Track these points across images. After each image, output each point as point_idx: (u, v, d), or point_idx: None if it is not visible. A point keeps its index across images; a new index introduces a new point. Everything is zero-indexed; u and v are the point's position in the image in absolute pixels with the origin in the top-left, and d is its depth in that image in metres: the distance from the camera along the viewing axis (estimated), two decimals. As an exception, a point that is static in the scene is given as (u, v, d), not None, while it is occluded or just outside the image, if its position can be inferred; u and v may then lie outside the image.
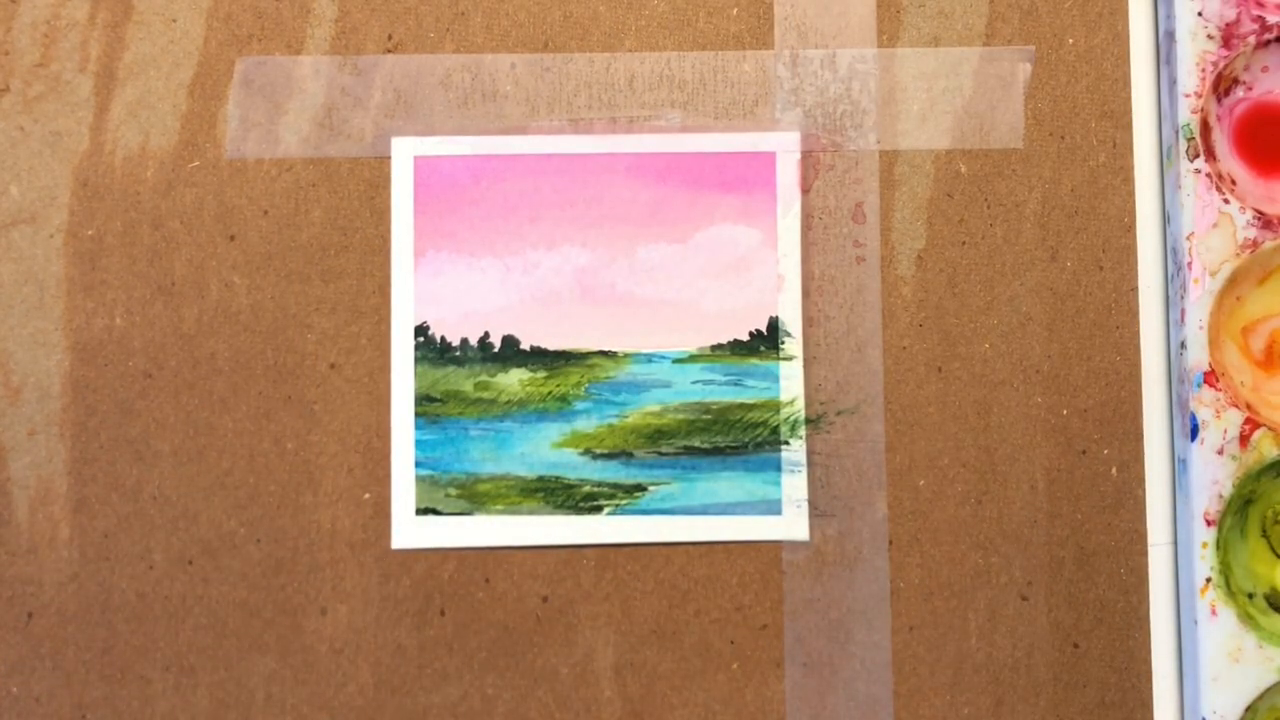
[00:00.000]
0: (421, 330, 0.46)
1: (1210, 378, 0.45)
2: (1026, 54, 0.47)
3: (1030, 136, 0.47)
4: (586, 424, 0.46)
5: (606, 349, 0.46)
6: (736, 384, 0.46)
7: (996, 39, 0.47)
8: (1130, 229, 0.47)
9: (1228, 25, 0.46)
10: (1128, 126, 0.47)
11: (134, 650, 0.45)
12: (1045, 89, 0.47)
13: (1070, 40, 0.47)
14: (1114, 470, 0.46)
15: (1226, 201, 0.45)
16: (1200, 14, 0.46)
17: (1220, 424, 0.45)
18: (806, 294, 0.46)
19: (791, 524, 0.45)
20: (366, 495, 0.45)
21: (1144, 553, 0.46)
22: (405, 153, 0.46)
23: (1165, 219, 0.47)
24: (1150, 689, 0.46)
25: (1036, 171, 0.46)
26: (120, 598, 0.45)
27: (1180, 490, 0.46)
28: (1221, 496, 0.45)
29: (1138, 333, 0.46)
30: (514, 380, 0.46)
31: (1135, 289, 0.46)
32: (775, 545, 0.45)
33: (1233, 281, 0.45)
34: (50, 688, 0.44)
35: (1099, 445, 0.46)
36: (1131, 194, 0.47)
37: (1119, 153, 0.47)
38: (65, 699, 0.44)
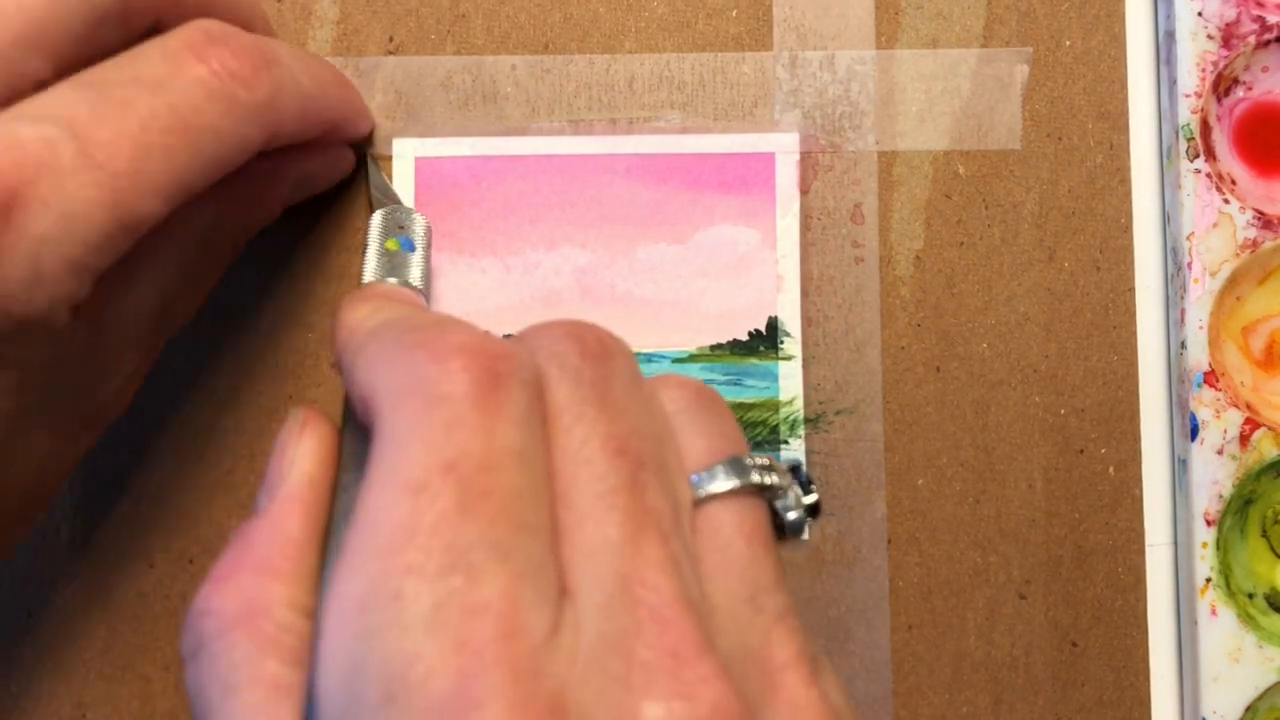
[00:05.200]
0: (422, 330, 0.46)
1: (1210, 378, 0.45)
2: (1024, 55, 0.47)
3: (1028, 138, 0.47)
4: (586, 424, 0.46)
5: (606, 349, 0.46)
6: (736, 384, 0.46)
7: (994, 41, 0.47)
8: (1127, 229, 0.47)
9: (1228, 25, 0.46)
10: (1125, 127, 0.47)
11: (134, 649, 0.45)
12: (1043, 90, 0.47)
13: (1067, 42, 0.47)
14: (1111, 470, 0.46)
15: (1226, 201, 0.45)
16: (1200, 14, 0.46)
17: (1220, 424, 0.45)
18: (805, 294, 0.46)
19: (790, 523, 0.45)
20: (367, 495, 0.45)
21: (1141, 552, 0.46)
22: (407, 154, 0.46)
23: (1165, 219, 0.47)
24: (1148, 687, 0.46)
25: (1034, 172, 0.47)
26: (121, 597, 0.45)
27: (1180, 490, 0.46)
28: (1221, 496, 0.45)
29: (1135, 333, 0.46)
30: (514, 380, 0.46)
31: (1132, 289, 0.46)
32: (774, 545, 0.45)
33: (1233, 281, 0.46)
34: (50, 686, 0.45)
35: (1096, 445, 0.46)
36: (1129, 195, 0.47)
37: (1116, 154, 0.47)
38: (65, 698, 0.45)
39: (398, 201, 0.45)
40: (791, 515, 0.32)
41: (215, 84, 0.35)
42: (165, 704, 0.45)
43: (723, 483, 0.31)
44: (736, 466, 0.32)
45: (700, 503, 0.31)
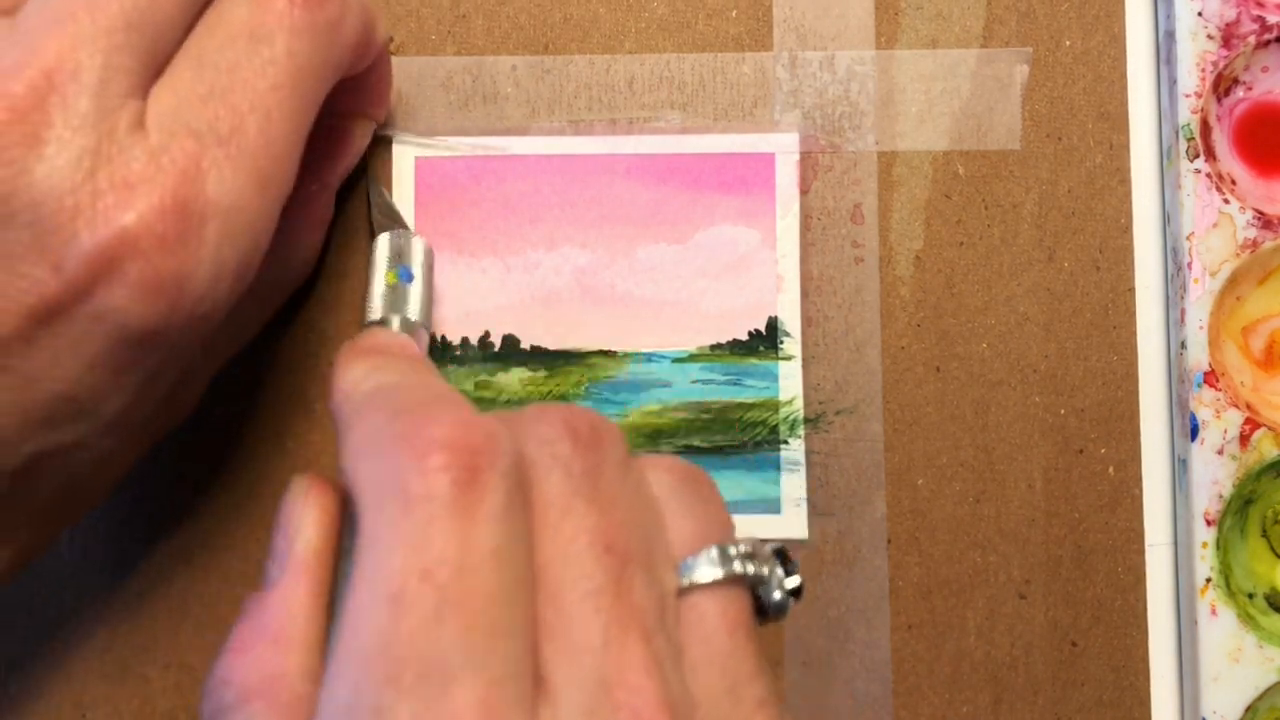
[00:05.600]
0: (422, 330, 0.46)
1: (1210, 378, 0.45)
2: (1024, 56, 0.47)
3: (1027, 138, 0.47)
4: (586, 424, 0.46)
5: (606, 348, 0.46)
6: (736, 383, 0.46)
7: (994, 41, 0.47)
8: (1127, 230, 0.47)
9: (1228, 25, 0.46)
10: (1124, 128, 0.47)
11: (134, 649, 0.45)
12: (1042, 90, 0.47)
13: (1067, 42, 0.47)
14: (1111, 469, 0.46)
15: (1226, 202, 0.45)
16: (1200, 14, 0.46)
17: (1220, 424, 0.45)
18: (805, 294, 0.46)
19: (790, 523, 0.45)
20: (367, 495, 0.45)
21: (1140, 551, 0.46)
22: (407, 154, 0.46)
23: (1165, 219, 0.47)
24: (1148, 686, 0.46)
25: (1034, 173, 0.47)
26: (120, 596, 0.45)
27: (1180, 490, 0.46)
28: (1221, 496, 0.45)
29: (1135, 333, 0.46)
30: (514, 380, 0.46)
31: (1132, 289, 0.46)
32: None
33: (1233, 281, 0.46)
34: (50, 686, 0.45)
35: (1096, 445, 0.46)
36: (1128, 195, 0.47)
37: (1115, 154, 0.47)
38: (65, 697, 0.45)
39: (401, 223, 0.45)
40: (775, 597, 0.33)
41: (296, 14, 0.35)
42: (165, 704, 0.45)
43: (707, 572, 0.32)
44: (722, 556, 0.32)
45: (685, 591, 0.31)
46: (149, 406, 0.37)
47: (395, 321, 0.42)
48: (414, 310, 0.42)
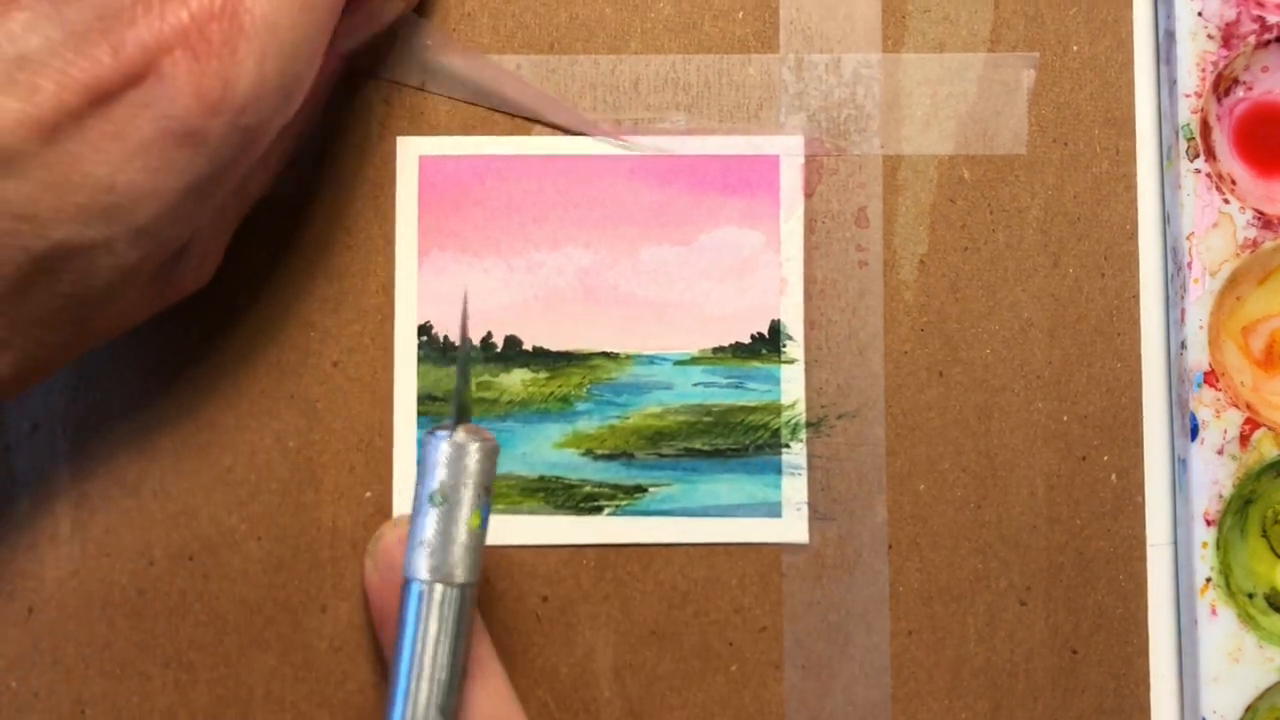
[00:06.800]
0: (424, 329, 0.46)
1: (1210, 378, 0.45)
2: (1031, 60, 0.47)
3: (1033, 143, 0.47)
4: (588, 425, 0.46)
5: (609, 350, 0.46)
6: (738, 386, 0.46)
7: (1001, 45, 0.47)
8: (1132, 236, 0.47)
9: (1228, 25, 0.46)
10: (1131, 133, 0.47)
11: (134, 646, 0.45)
12: (1049, 95, 0.47)
13: (1074, 47, 0.47)
14: (1113, 477, 0.46)
15: (1227, 202, 0.45)
16: (1200, 14, 0.46)
17: (1220, 424, 0.45)
18: (809, 297, 0.46)
19: (791, 527, 0.45)
20: (368, 494, 0.45)
21: (1142, 559, 0.46)
22: (410, 152, 0.46)
23: (1165, 219, 0.47)
24: (1148, 695, 0.46)
25: (1039, 178, 0.47)
26: (120, 594, 0.45)
27: (1180, 490, 0.46)
28: (1221, 496, 0.45)
29: (1139, 340, 0.46)
30: (516, 380, 0.46)
31: (1137, 296, 0.47)
32: (775, 548, 0.45)
33: (1233, 281, 0.46)
34: (50, 683, 0.45)
35: (1099, 451, 0.46)
36: (1134, 201, 0.47)
37: (1121, 160, 0.47)
38: (65, 695, 0.45)
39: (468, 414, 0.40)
40: None
41: None
42: (164, 701, 0.45)
43: None
44: None
45: None
46: (180, 229, 0.38)
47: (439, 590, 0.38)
48: (473, 570, 0.39)
